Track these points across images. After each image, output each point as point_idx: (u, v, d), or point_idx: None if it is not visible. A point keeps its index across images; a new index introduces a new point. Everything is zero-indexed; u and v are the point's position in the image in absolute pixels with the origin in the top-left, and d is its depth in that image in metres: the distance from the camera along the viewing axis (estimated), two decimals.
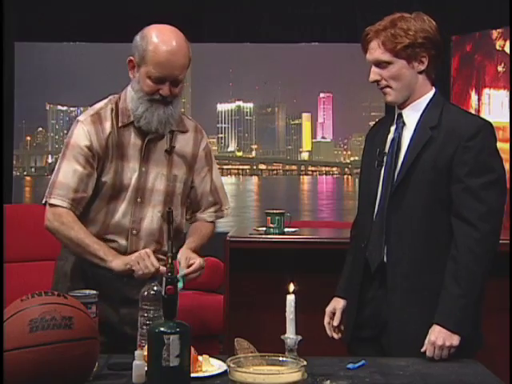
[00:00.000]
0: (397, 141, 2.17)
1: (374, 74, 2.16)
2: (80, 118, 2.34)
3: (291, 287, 1.82)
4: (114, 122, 2.31)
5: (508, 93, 4.91)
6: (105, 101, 2.36)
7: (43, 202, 2.32)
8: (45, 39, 5.78)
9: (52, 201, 2.29)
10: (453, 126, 2.10)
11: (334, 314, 2.30)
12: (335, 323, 2.28)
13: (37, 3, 5.32)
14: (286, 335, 1.80)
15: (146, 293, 1.98)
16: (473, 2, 5.12)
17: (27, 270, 3.63)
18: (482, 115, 5.04)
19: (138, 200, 2.33)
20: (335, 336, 2.29)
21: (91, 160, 2.29)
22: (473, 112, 5.06)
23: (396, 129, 2.19)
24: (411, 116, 2.17)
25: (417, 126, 2.15)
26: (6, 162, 5.27)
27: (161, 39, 2.22)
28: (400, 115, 2.19)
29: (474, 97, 5.24)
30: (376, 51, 2.14)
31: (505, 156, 4.86)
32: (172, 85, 2.24)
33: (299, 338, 1.81)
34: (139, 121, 2.28)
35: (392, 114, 2.24)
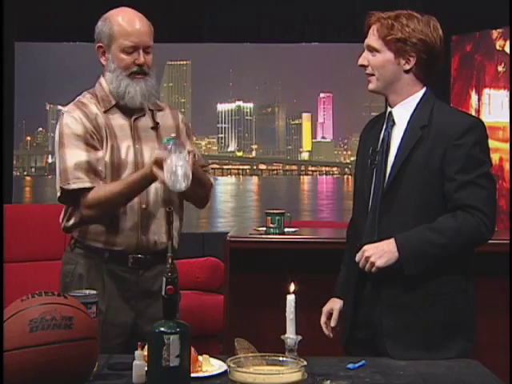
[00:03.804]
0: (386, 140, 2.16)
1: (363, 58, 2.17)
2: (64, 109, 2.39)
3: (291, 287, 1.82)
4: (98, 106, 2.37)
5: (508, 93, 4.91)
6: (81, 95, 2.43)
7: (58, 194, 2.30)
8: (45, 39, 5.78)
9: (72, 186, 2.27)
10: (443, 126, 2.09)
11: (330, 314, 2.29)
12: (333, 324, 2.27)
13: (37, 3, 5.32)
14: (286, 335, 1.80)
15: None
16: (473, 2, 5.12)
17: (27, 269, 3.63)
18: (482, 115, 5.04)
19: None
20: (331, 335, 2.29)
21: (91, 141, 2.31)
22: (473, 112, 5.07)
23: (386, 128, 2.18)
24: (401, 115, 2.16)
25: (407, 125, 2.14)
26: (6, 162, 5.27)
27: (122, 15, 2.36)
28: (390, 114, 2.19)
29: (474, 97, 5.24)
30: (371, 36, 2.15)
31: (505, 156, 4.87)
32: (144, 52, 2.34)
33: (299, 338, 1.81)
34: (124, 97, 2.35)
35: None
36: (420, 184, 2.08)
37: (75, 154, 2.29)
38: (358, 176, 2.26)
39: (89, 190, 2.26)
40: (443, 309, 2.09)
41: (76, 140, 2.30)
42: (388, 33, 2.10)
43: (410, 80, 2.15)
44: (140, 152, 2.37)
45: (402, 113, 2.15)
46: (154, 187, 2.33)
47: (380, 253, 2.04)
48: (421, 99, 2.15)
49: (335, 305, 2.29)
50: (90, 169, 2.29)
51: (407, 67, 2.13)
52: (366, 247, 2.07)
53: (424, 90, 2.17)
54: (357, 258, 2.08)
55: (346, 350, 2.24)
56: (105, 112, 2.37)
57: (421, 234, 2.05)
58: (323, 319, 2.29)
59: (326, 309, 2.30)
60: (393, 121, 2.17)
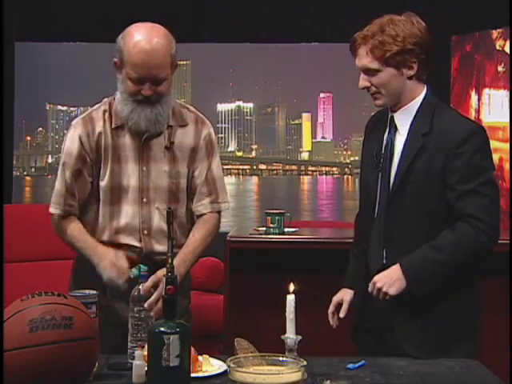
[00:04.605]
0: (390, 146, 2.16)
1: (363, 80, 2.15)
2: (73, 121, 2.37)
3: (291, 287, 1.82)
4: (107, 123, 2.32)
5: (508, 93, 4.91)
6: (100, 103, 2.38)
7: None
8: (45, 39, 5.78)
9: (50, 210, 2.37)
10: (443, 133, 2.08)
11: (340, 304, 2.27)
12: (342, 315, 2.24)
13: (37, 3, 5.32)
14: (286, 335, 1.80)
15: (135, 293, 1.98)
16: (473, 1, 5.12)
17: (27, 269, 3.63)
18: (482, 115, 5.04)
19: (144, 200, 2.33)
20: (335, 325, 2.26)
21: (81, 165, 2.31)
22: (473, 112, 5.07)
23: (389, 133, 2.18)
24: (403, 121, 2.15)
25: (409, 131, 2.13)
26: (6, 162, 5.27)
27: (136, 40, 2.19)
28: (392, 119, 2.18)
29: (474, 97, 5.24)
30: (364, 58, 2.12)
31: (505, 156, 4.87)
32: (153, 84, 2.21)
33: (299, 338, 1.81)
34: (127, 122, 2.28)
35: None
36: (423, 192, 2.09)
37: (62, 177, 2.33)
38: (363, 175, 2.26)
39: (62, 216, 2.35)
40: (452, 308, 2.10)
41: (69, 158, 2.32)
42: (383, 51, 2.08)
43: (413, 84, 2.14)
44: (147, 175, 2.32)
45: (404, 118, 2.15)
46: (158, 214, 2.32)
47: (390, 282, 2.06)
48: (421, 103, 2.14)
49: (346, 296, 2.27)
50: (73, 194, 2.33)
51: (411, 73, 2.12)
52: (376, 278, 2.08)
53: (425, 91, 2.16)
54: (369, 290, 2.09)
55: (353, 340, 2.24)
56: (115, 128, 2.31)
57: (422, 254, 2.07)
58: (331, 309, 2.26)
59: (336, 299, 2.27)
60: (395, 126, 2.17)
